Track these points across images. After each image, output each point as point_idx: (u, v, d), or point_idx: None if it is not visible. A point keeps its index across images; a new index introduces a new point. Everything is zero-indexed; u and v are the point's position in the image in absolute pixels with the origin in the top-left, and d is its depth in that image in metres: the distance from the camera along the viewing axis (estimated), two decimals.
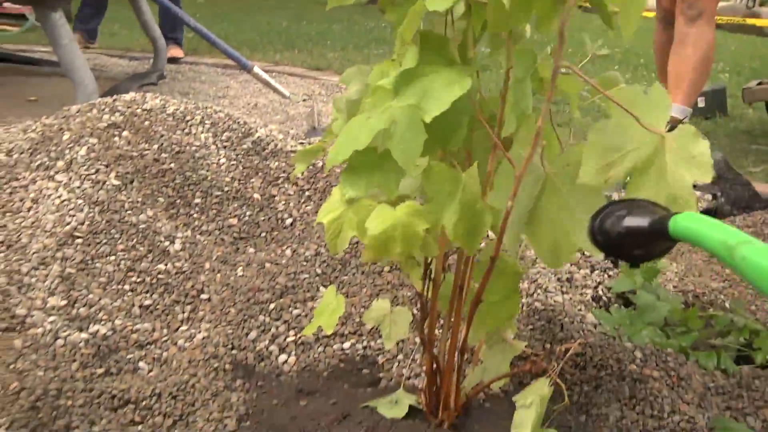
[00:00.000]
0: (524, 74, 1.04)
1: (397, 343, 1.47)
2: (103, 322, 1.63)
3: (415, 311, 1.28)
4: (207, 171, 2.16)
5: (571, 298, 1.75)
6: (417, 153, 0.99)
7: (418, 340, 1.32)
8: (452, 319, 1.24)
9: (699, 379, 1.52)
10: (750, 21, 9.43)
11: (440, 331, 1.29)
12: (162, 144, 2.18)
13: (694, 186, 1.01)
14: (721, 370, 1.57)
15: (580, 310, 1.71)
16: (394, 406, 1.32)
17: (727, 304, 1.90)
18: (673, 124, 3.32)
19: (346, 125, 1.05)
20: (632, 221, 0.99)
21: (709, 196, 2.68)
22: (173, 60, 5.28)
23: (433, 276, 1.23)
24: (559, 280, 1.84)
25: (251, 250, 1.97)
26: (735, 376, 1.54)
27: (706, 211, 2.59)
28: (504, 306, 1.24)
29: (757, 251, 0.78)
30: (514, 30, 1.04)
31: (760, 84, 4.70)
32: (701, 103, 4.63)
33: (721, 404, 1.47)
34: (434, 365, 1.27)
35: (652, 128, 0.95)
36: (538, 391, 1.15)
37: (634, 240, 0.99)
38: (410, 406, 1.31)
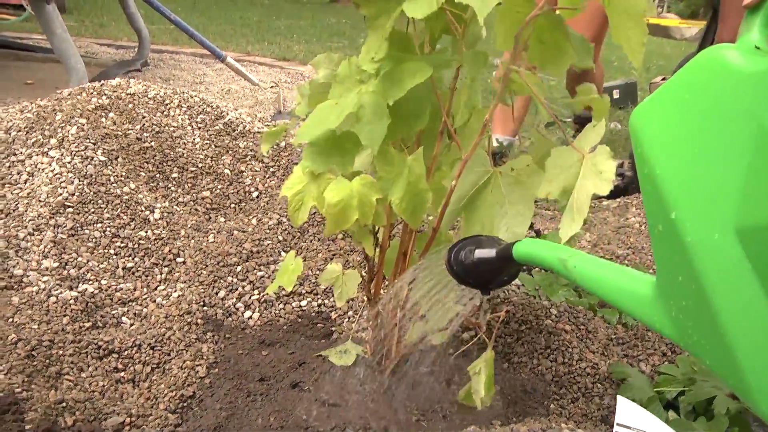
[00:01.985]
0: (476, 74, 1.04)
1: (348, 301, 1.47)
2: (90, 282, 1.61)
3: (363, 273, 1.29)
4: (183, 149, 2.13)
5: None
6: (381, 136, 0.98)
7: (366, 298, 1.33)
8: (396, 280, 1.25)
9: (604, 331, 1.56)
10: (654, 20, 9.42)
11: (385, 290, 1.30)
12: (144, 125, 2.15)
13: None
14: (622, 324, 1.61)
15: None
16: (343, 356, 1.33)
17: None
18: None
19: (316, 108, 1.04)
20: (482, 253, 1.00)
21: (619, 178, 2.77)
22: None
23: (380, 243, 1.23)
24: None
25: (221, 219, 1.96)
26: (633, 329, 1.57)
27: (617, 189, 2.66)
28: None
29: (583, 260, 0.82)
30: (471, 32, 1.04)
31: (663, 79, 4.85)
32: (616, 95, 4.71)
33: (621, 352, 1.51)
34: (379, 320, 1.28)
35: (578, 149, 0.95)
36: (484, 358, 1.16)
37: (485, 268, 0.99)
38: (357, 356, 1.32)
